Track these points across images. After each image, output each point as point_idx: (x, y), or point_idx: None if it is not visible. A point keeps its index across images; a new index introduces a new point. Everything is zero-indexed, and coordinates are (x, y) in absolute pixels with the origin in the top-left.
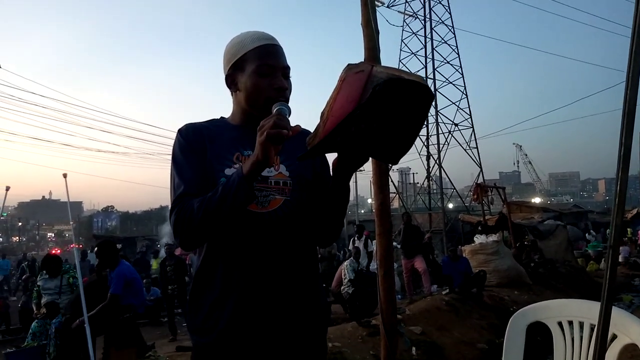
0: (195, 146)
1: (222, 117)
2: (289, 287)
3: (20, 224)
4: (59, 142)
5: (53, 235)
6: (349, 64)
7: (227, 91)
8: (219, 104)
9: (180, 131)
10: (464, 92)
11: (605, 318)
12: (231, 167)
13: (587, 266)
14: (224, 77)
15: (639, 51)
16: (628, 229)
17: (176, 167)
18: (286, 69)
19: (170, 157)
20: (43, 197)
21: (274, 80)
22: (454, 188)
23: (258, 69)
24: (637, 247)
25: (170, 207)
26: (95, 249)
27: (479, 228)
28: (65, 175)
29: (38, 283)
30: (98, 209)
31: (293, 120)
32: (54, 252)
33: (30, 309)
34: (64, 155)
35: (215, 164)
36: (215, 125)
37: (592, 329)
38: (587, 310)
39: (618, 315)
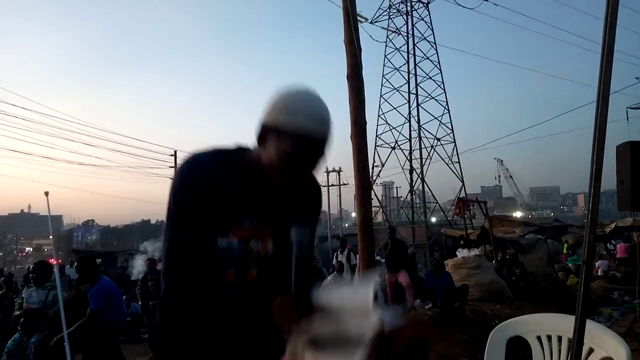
0: (199, 196)
1: (238, 148)
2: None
3: None
4: (38, 154)
5: (31, 249)
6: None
7: (212, 109)
8: (204, 119)
9: (187, 169)
10: (446, 107)
11: (579, 332)
12: (225, 236)
13: (567, 280)
14: (260, 123)
15: (607, 80)
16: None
17: (177, 224)
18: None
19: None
20: (22, 210)
21: (303, 171)
22: (437, 202)
23: (293, 156)
24: (615, 261)
25: (163, 268)
26: (76, 263)
27: (461, 242)
28: (47, 193)
29: (22, 295)
30: (78, 223)
31: None
32: (50, 261)
33: (6, 325)
34: (44, 168)
35: (213, 222)
36: (226, 167)
37: (570, 343)
38: (564, 325)
39: (594, 329)
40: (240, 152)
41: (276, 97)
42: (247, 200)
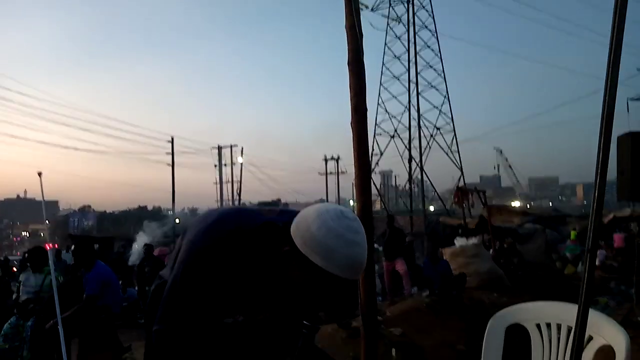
0: (205, 288)
1: (262, 231)
2: None
3: None
4: (34, 139)
5: (27, 234)
6: None
7: (211, 95)
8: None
9: (200, 262)
10: (446, 96)
11: (582, 320)
12: (232, 317)
13: (564, 269)
14: (291, 243)
15: (618, 54)
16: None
17: (194, 295)
18: None
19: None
20: (18, 195)
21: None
22: (435, 191)
23: (317, 291)
24: (613, 251)
25: (159, 319)
26: (72, 248)
27: (460, 231)
28: (40, 174)
29: (20, 279)
30: (74, 208)
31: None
32: (46, 246)
33: (2, 309)
34: (40, 153)
35: (224, 308)
36: (244, 257)
37: (569, 331)
38: (564, 313)
39: (594, 317)
40: (262, 237)
41: (315, 222)
42: (251, 298)
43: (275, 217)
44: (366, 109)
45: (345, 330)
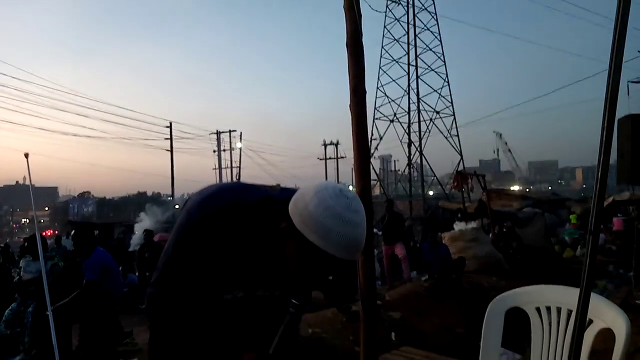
0: (201, 259)
1: (258, 205)
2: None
3: None
4: (33, 125)
5: (27, 221)
6: None
7: (208, 79)
8: (198, 90)
9: (195, 232)
10: (446, 79)
11: (584, 303)
12: (231, 293)
13: (563, 253)
14: (289, 219)
15: (623, 35)
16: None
17: (175, 262)
18: None
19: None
20: (17, 182)
21: (319, 278)
22: (435, 175)
23: (313, 268)
24: (612, 235)
25: (154, 281)
26: (72, 234)
27: (459, 215)
28: (26, 155)
29: (20, 265)
30: (74, 195)
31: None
32: (45, 233)
33: (3, 295)
34: (39, 139)
35: (219, 282)
36: (239, 231)
37: (569, 315)
38: (564, 296)
39: (594, 301)
40: (259, 212)
41: (313, 199)
42: (252, 271)
43: (274, 193)
44: (365, 91)
45: (345, 314)
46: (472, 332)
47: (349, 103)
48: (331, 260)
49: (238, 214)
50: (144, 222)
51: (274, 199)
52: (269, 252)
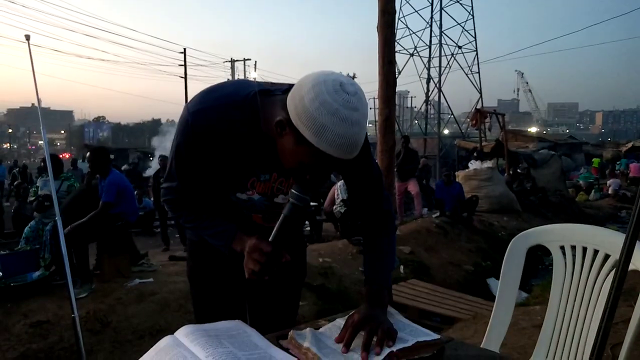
0: (203, 150)
1: (247, 103)
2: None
3: (10, 131)
4: (48, 47)
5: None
6: None
7: (224, 11)
8: (214, 18)
9: (192, 124)
10: (471, 12)
11: (629, 248)
12: (244, 192)
13: (577, 196)
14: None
15: None
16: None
17: (177, 158)
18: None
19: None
20: (32, 104)
21: (314, 174)
22: (452, 113)
23: (307, 164)
24: (627, 180)
25: (164, 177)
26: (88, 154)
27: (475, 154)
28: (27, 37)
29: (37, 184)
30: (89, 119)
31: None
32: (61, 156)
33: (23, 214)
34: (53, 61)
35: (229, 181)
36: (235, 128)
37: (594, 254)
38: (591, 236)
39: (618, 240)
40: (249, 110)
41: (309, 93)
42: (262, 157)
43: (274, 87)
44: (395, 11)
45: (355, 246)
46: (479, 269)
47: (376, 25)
48: (326, 159)
49: (234, 106)
50: (163, 143)
51: (272, 91)
52: (267, 146)
